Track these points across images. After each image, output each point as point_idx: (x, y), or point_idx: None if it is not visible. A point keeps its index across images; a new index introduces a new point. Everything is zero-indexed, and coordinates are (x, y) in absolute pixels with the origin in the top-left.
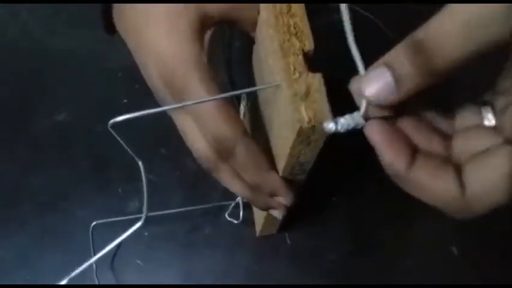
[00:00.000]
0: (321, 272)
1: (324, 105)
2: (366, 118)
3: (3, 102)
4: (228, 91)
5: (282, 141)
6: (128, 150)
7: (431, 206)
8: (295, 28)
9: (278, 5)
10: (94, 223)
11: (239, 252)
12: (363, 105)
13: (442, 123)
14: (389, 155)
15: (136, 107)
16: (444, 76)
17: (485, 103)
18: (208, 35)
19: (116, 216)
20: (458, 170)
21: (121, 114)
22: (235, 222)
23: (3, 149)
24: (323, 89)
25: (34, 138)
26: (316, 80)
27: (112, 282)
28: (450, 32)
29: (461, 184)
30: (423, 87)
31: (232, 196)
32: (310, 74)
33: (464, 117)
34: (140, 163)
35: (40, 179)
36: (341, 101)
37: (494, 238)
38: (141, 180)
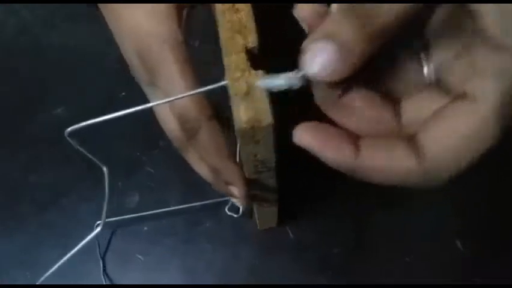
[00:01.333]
0: (323, 266)
1: (264, 104)
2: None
3: (2, 99)
4: None
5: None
6: (91, 157)
7: (434, 200)
8: (239, 24)
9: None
10: (97, 223)
11: (240, 246)
12: (301, 71)
13: (389, 90)
14: (331, 153)
15: (134, 100)
16: (388, 36)
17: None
18: (185, 13)
19: (116, 211)
20: (411, 140)
21: (120, 108)
22: (235, 216)
23: (2, 146)
24: (264, 88)
25: (33, 135)
26: (257, 79)
27: (112, 277)
28: None
29: (417, 155)
30: (369, 54)
31: None
32: (253, 72)
33: (406, 80)
34: (104, 169)
35: (39, 177)
36: None
37: (500, 231)
38: (140, 174)
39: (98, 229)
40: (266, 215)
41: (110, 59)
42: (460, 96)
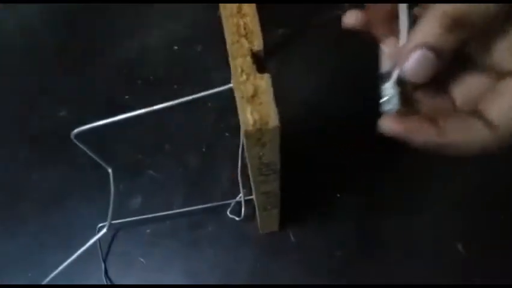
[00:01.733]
0: (325, 269)
1: (271, 107)
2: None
3: (4, 99)
4: None
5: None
6: (97, 158)
7: (435, 203)
8: (245, 29)
9: (229, 6)
10: (100, 225)
11: (242, 249)
12: (395, 74)
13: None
14: (419, 135)
15: (137, 103)
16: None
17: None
18: None
19: (119, 213)
20: (475, 115)
21: (123, 111)
22: (237, 219)
23: (4, 147)
24: (271, 90)
25: (35, 136)
26: (264, 81)
27: (114, 280)
28: None
29: (490, 126)
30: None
31: (233, 193)
32: (258, 75)
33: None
34: (109, 170)
35: (41, 177)
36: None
37: (501, 233)
38: (143, 176)
39: (104, 230)
40: (268, 219)
41: (113, 61)
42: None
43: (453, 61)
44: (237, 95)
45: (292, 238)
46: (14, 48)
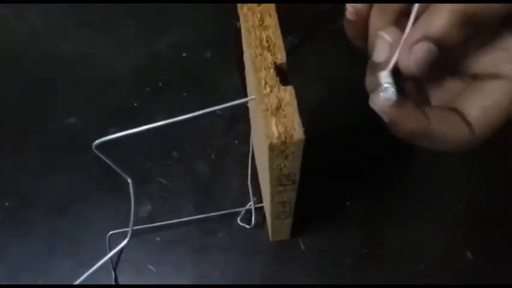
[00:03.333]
0: (335, 277)
1: (295, 119)
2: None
3: (14, 105)
4: (241, 93)
5: (263, 155)
6: (117, 169)
7: (444, 211)
8: (267, 42)
9: (251, 18)
10: (110, 233)
11: (252, 257)
12: (391, 62)
13: None
14: (411, 122)
15: (146, 110)
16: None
17: None
18: None
19: (128, 221)
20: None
21: (131, 118)
22: (248, 227)
23: (13, 153)
24: (295, 103)
25: (44, 142)
26: (288, 94)
27: None
28: None
29: (468, 123)
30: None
31: (243, 200)
32: (282, 88)
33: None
34: (129, 180)
35: (50, 184)
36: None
37: (510, 241)
38: (152, 184)
39: (126, 240)
40: (280, 228)
41: (122, 68)
42: (492, 77)
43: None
44: (261, 107)
45: (302, 246)
46: (24, 53)
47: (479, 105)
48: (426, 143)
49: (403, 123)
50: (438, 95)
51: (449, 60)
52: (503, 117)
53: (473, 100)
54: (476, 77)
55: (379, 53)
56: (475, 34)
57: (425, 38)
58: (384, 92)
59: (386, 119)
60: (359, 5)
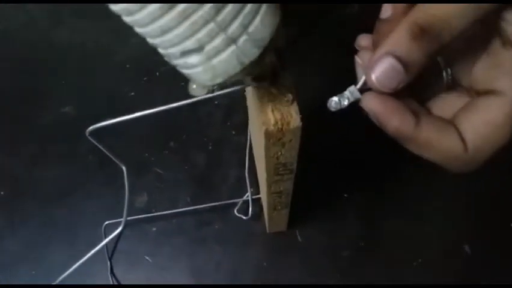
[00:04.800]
0: (332, 269)
1: (293, 107)
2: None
3: (9, 94)
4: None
5: (260, 143)
6: (111, 156)
7: (443, 205)
8: None
9: None
10: (106, 223)
11: (249, 248)
12: (361, 81)
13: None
14: (395, 119)
15: (143, 100)
16: (447, 50)
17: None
18: None
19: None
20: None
21: (128, 107)
22: (244, 218)
23: (8, 142)
24: (293, 89)
25: (40, 131)
26: (286, 81)
27: (120, 278)
28: (455, 7)
29: (462, 140)
30: (425, 66)
31: (240, 191)
32: (280, 73)
33: (428, 83)
34: (124, 168)
35: (46, 173)
36: None
37: (507, 235)
38: (149, 174)
39: (120, 228)
40: (277, 218)
41: (118, 58)
42: (488, 93)
43: (432, 77)
44: (257, 95)
45: (299, 238)
46: (20, 42)
47: (473, 122)
48: (414, 147)
49: (386, 119)
50: (439, 110)
51: (454, 78)
52: (500, 136)
53: (468, 116)
54: (476, 93)
55: (358, 74)
56: (443, 47)
57: (386, 54)
58: (334, 98)
59: (367, 110)
60: (398, 5)
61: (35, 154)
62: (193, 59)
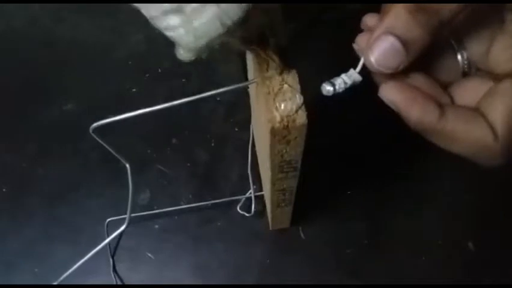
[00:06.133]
0: (335, 267)
1: (299, 104)
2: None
3: (12, 91)
4: (242, 79)
5: (264, 140)
6: (114, 153)
7: (446, 202)
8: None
9: None
10: (109, 220)
11: (252, 245)
12: (360, 63)
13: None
14: (417, 109)
15: (145, 96)
16: (448, 28)
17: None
18: None
19: (127, 208)
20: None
21: (130, 104)
22: (247, 215)
23: (11, 139)
24: (297, 87)
25: (43, 129)
26: (291, 77)
27: (122, 276)
28: None
29: (492, 128)
30: (427, 45)
31: (243, 188)
32: (285, 71)
33: (445, 68)
34: (127, 165)
35: (49, 171)
36: None
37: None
38: (151, 171)
39: (124, 226)
40: (280, 216)
41: (120, 54)
42: (510, 75)
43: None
44: (262, 90)
45: (302, 235)
46: (22, 39)
47: (500, 107)
48: (440, 139)
49: (407, 110)
50: (462, 97)
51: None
52: None
53: (494, 101)
54: (499, 77)
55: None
56: (443, 24)
57: (385, 33)
58: (331, 84)
59: (388, 102)
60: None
61: (37, 151)
62: (174, 20)
